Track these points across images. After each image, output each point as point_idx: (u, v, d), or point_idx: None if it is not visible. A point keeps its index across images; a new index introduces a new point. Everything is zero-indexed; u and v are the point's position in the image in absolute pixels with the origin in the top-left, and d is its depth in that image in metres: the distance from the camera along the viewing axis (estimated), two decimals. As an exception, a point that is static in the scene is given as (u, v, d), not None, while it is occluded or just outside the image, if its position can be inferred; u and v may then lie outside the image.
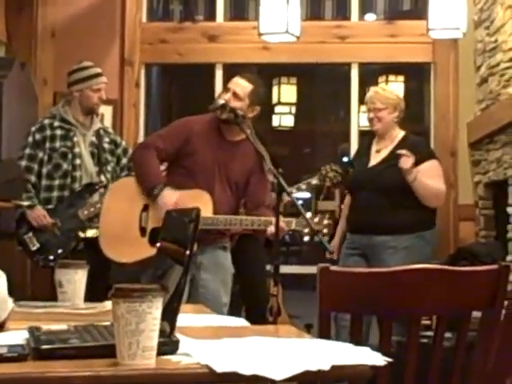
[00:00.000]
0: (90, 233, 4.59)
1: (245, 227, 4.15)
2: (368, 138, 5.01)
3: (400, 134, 4.83)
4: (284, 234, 4.15)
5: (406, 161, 4.53)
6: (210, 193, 4.06)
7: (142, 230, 4.04)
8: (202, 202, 4.02)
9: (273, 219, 3.79)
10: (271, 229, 3.86)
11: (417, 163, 4.63)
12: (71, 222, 4.58)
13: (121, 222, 4.09)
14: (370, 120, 4.82)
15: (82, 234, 4.60)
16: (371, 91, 4.93)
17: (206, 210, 4.01)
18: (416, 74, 8.64)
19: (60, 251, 4.51)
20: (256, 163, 4.20)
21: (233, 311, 4.26)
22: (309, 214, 3.99)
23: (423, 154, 4.71)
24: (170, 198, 4.01)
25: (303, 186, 4.28)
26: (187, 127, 4.18)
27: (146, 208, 4.08)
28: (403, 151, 4.56)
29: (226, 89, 4.23)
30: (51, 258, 4.49)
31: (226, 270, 4.25)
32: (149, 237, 4.03)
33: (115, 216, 4.12)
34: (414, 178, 4.55)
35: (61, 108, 4.77)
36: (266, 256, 5.15)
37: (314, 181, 4.36)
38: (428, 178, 4.62)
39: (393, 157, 4.69)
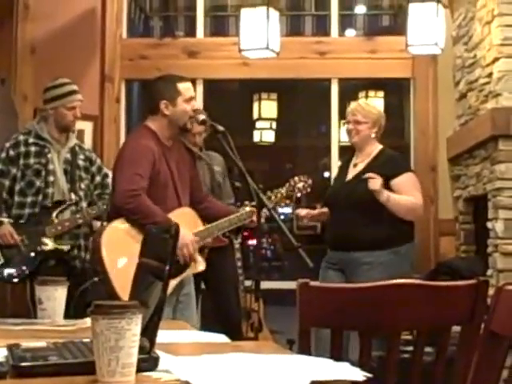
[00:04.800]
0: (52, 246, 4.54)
1: (235, 226, 4.11)
2: (350, 153, 4.99)
3: (377, 148, 4.80)
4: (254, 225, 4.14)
5: (374, 182, 4.49)
6: (180, 205, 4.00)
7: None
8: (190, 219, 4.00)
9: (254, 209, 3.80)
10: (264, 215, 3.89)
11: (392, 177, 4.63)
12: (38, 240, 4.50)
13: (133, 269, 3.80)
14: (349, 132, 4.79)
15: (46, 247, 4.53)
16: (354, 103, 4.93)
17: (197, 224, 4.00)
18: (395, 90, 8.67)
19: (24, 268, 4.44)
20: (190, 158, 4.23)
21: (208, 327, 4.23)
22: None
23: (398, 168, 4.71)
24: (188, 236, 3.85)
25: (272, 197, 4.30)
26: (150, 152, 3.91)
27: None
28: (369, 174, 4.53)
29: (188, 99, 3.99)
30: (15, 274, 4.44)
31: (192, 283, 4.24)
32: None
33: (125, 267, 3.75)
34: (387, 198, 4.52)
35: (36, 124, 4.70)
36: (237, 269, 5.14)
37: (283, 190, 4.39)
38: (403, 192, 4.62)
39: (367, 171, 4.70)
